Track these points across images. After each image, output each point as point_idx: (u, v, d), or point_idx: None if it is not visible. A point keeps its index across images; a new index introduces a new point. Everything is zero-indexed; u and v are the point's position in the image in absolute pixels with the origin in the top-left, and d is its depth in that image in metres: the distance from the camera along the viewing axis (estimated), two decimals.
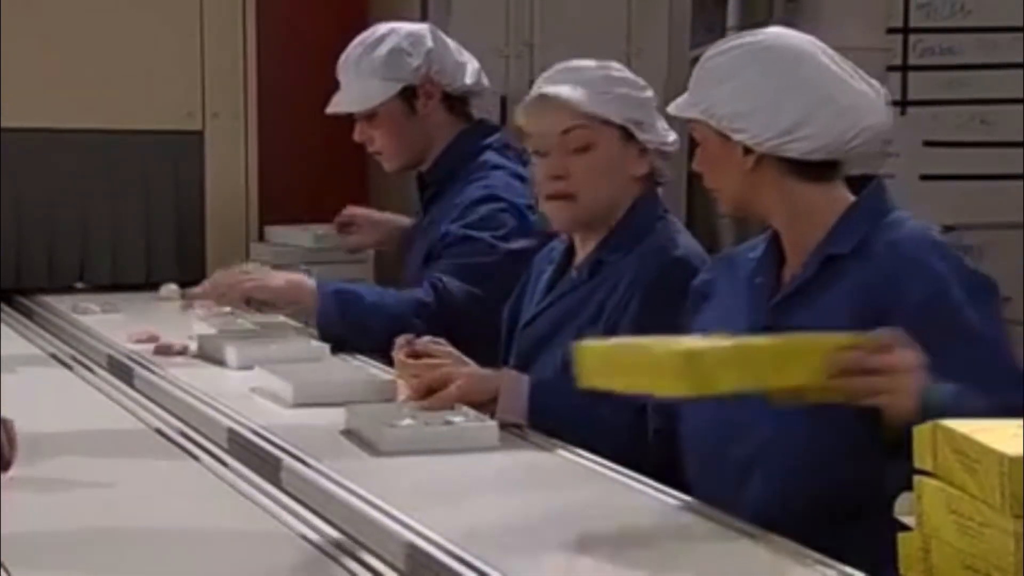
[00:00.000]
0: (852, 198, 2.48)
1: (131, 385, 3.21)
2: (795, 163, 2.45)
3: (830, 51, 2.50)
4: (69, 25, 4.42)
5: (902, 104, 6.30)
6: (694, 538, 2.10)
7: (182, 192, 4.56)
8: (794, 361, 2.13)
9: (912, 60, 6.28)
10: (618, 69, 3.00)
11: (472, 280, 3.43)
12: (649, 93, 2.99)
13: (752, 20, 5.52)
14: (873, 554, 1.96)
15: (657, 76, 4.75)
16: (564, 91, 2.95)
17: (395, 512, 2.12)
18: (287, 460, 2.44)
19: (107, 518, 2.27)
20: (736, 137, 2.45)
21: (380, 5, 5.05)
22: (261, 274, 3.59)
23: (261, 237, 4.64)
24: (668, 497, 2.27)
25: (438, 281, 3.45)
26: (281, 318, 3.58)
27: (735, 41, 2.52)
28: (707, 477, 2.40)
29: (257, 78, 4.61)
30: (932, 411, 2.08)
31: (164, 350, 3.38)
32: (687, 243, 2.94)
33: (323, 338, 3.38)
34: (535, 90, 3.02)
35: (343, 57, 3.70)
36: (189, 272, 4.33)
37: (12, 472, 2.29)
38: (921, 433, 1.76)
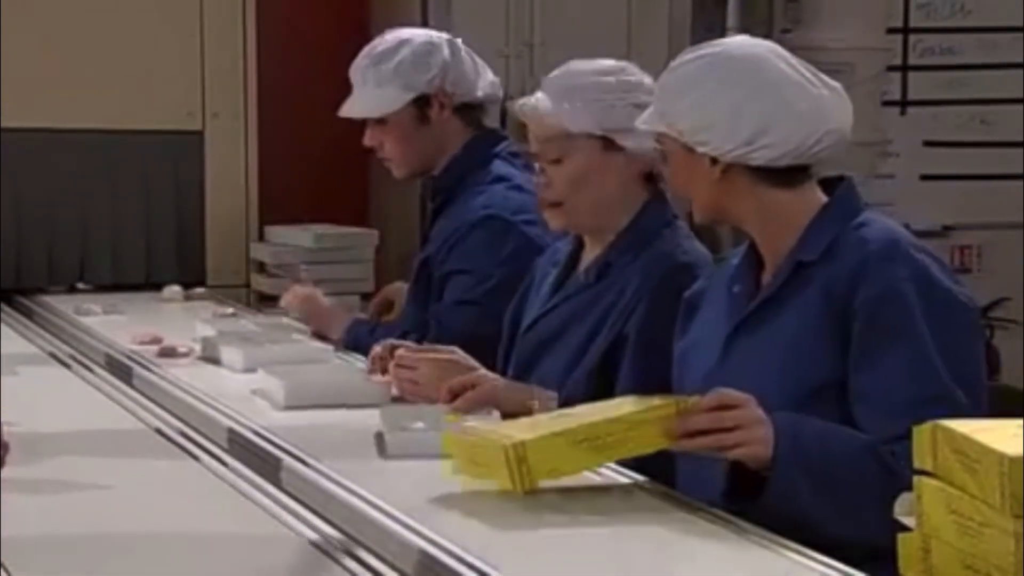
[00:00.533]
0: (824, 199, 2.49)
1: (131, 385, 3.21)
2: (763, 170, 2.46)
3: (789, 57, 2.50)
4: (69, 25, 4.42)
5: (902, 104, 6.30)
6: (691, 536, 2.10)
7: (182, 192, 4.56)
8: (636, 431, 2.21)
9: (912, 60, 6.28)
10: (612, 72, 2.96)
11: (472, 315, 3.41)
12: (641, 97, 2.91)
13: (752, 20, 5.52)
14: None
15: (657, 77, 4.75)
16: (533, 104, 2.96)
17: (396, 512, 2.12)
18: (287, 460, 2.44)
19: (107, 518, 2.27)
20: (700, 149, 2.46)
21: (380, 5, 5.05)
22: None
23: (261, 237, 4.64)
24: (668, 497, 2.27)
25: (435, 322, 3.45)
26: (285, 320, 3.58)
27: (694, 52, 2.53)
28: (696, 477, 2.40)
29: (257, 78, 4.61)
30: (786, 455, 2.20)
31: (168, 352, 3.38)
32: (694, 249, 2.93)
33: None
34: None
35: (357, 61, 3.68)
36: (189, 272, 4.34)
37: (12, 472, 2.29)
38: (921, 433, 1.76)
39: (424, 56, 3.62)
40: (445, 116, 3.65)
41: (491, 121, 3.79)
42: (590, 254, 2.99)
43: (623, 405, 2.29)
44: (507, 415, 2.64)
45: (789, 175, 2.47)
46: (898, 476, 2.17)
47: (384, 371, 2.95)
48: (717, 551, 2.05)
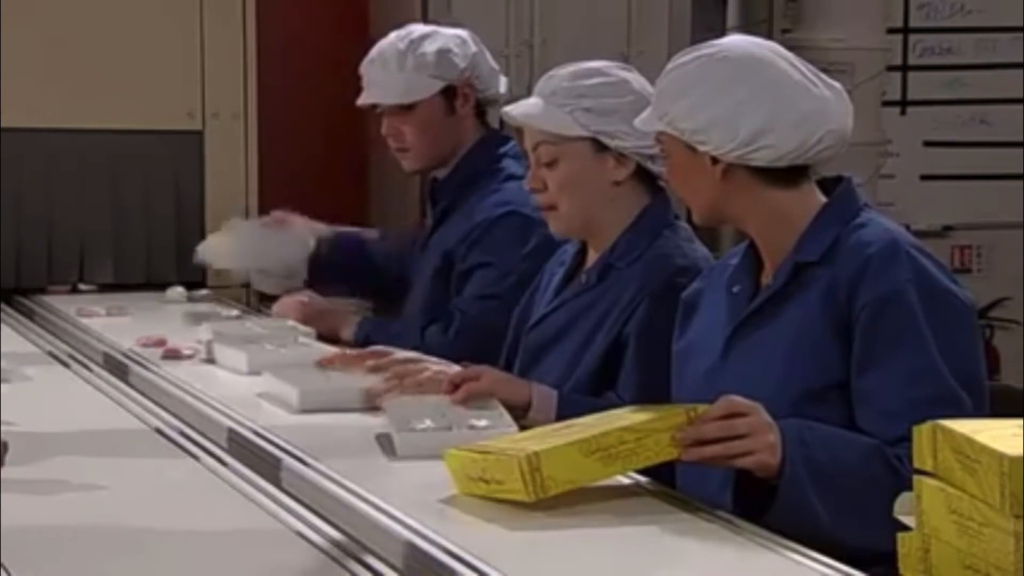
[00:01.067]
0: (823, 199, 2.49)
1: (130, 384, 3.21)
2: (763, 170, 2.46)
3: (790, 56, 2.50)
4: (69, 25, 4.42)
5: (902, 104, 6.30)
6: (691, 536, 2.10)
7: (182, 192, 4.55)
8: (648, 440, 2.20)
9: (912, 60, 6.29)
10: (597, 73, 2.95)
11: (494, 308, 3.41)
12: (627, 96, 2.92)
13: (752, 20, 5.52)
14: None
15: (657, 77, 4.75)
16: (521, 109, 2.97)
17: (396, 513, 2.12)
18: (287, 460, 2.44)
19: (107, 518, 2.27)
20: (701, 148, 2.46)
21: (380, 5, 5.05)
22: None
23: None
24: (668, 497, 2.27)
25: (458, 314, 3.46)
26: (291, 322, 3.56)
27: (694, 52, 2.52)
28: (696, 476, 2.39)
29: (257, 78, 4.60)
30: (795, 462, 2.20)
31: (173, 354, 3.37)
32: (694, 251, 2.92)
33: None
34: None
35: (378, 51, 3.68)
36: (189, 272, 4.33)
37: (12, 472, 2.29)
38: (921, 433, 1.76)
39: (457, 47, 3.64)
40: (467, 111, 3.67)
41: (492, 122, 3.79)
42: (593, 256, 2.99)
43: (632, 414, 2.28)
44: (506, 408, 2.64)
45: (789, 175, 2.47)
46: (905, 479, 2.17)
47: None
48: (717, 551, 2.05)
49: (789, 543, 2.03)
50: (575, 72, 2.95)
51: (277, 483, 2.41)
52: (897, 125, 6.04)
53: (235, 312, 3.85)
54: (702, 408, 2.23)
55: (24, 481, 2.33)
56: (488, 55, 3.72)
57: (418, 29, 3.69)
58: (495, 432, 2.48)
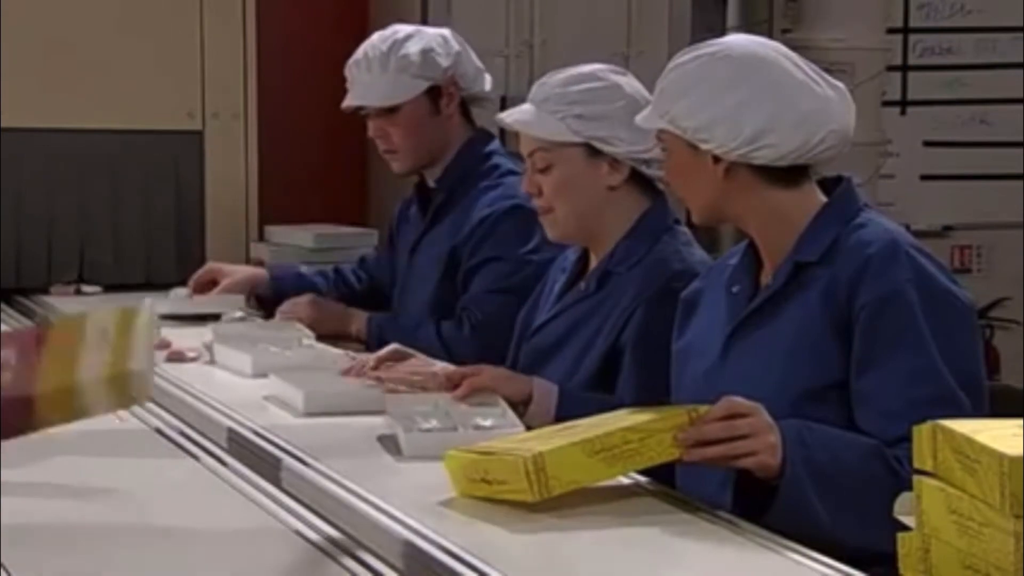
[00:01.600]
0: (824, 199, 2.49)
1: None
2: (765, 169, 2.46)
3: (793, 56, 2.50)
4: (69, 25, 4.42)
5: (902, 104, 6.30)
6: (691, 536, 2.10)
7: (182, 192, 4.55)
8: (650, 441, 2.20)
9: (912, 60, 6.29)
10: (588, 79, 2.94)
11: (507, 302, 3.42)
12: (618, 101, 2.92)
13: (752, 20, 5.52)
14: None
15: (657, 77, 4.75)
16: (514, 117, 2.98)
17: (396, 512, 2.12)
18: (287, 460, 2.44)
19: (107, 518, 2.27)
20: (703, 147, 2.46)
21: (380, 6, 5.05)
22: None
23: (261, 237, 4.64)
24: (668, 497, 2.27)
25: (473, 309, 3.47)
26: (297, 325, 3.56)
27: (697, 51, 2.52)
28: (696, 475, 2.40)
29: (257, 78, 4.60)
30: (796, 462, 2.20)
31: (177, 357, 3.37)
32: (692, 255, 2.92)
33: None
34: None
35: (361, 52, 3.68)
36: (189, 272, 4.33)
37: (12, 472, 2.29)
38: (921, 433, 1.76)
39: (440, 46, 3.64)
40: (452, 110, 3.66)
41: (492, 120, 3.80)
42: (594, 262, 2.99)
43: (634, 415, 2.28)
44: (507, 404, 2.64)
45: (790, 175, 2.47)
46: (904, 480, 2.17)
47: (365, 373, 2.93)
48: (717, 551, 2.05)
49: (789, 543, 2.03)
50: (567, 78, 2.95)
51: (277, 483, 2.41)
52: (897, 125, 6.05)
53: (238, 314, 3.85)
54: (703, 409, 2.23)
55: (24, 481, 2.33)
56: (472, 54, 3.72)
57: (402, 30, 3.69)
58: (500, 431, 2.48)
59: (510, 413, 2.60)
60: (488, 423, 2.53)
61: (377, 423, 2.65)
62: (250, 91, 4.59)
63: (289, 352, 3.26)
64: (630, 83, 2.96)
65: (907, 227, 2.58)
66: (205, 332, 3.49)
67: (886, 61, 5.66)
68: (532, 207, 3.32)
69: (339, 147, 4.87)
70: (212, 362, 3.33)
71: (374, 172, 4.98)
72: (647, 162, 2.92)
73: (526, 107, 2.97)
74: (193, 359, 3.36)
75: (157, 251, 4.52)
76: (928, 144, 6.30)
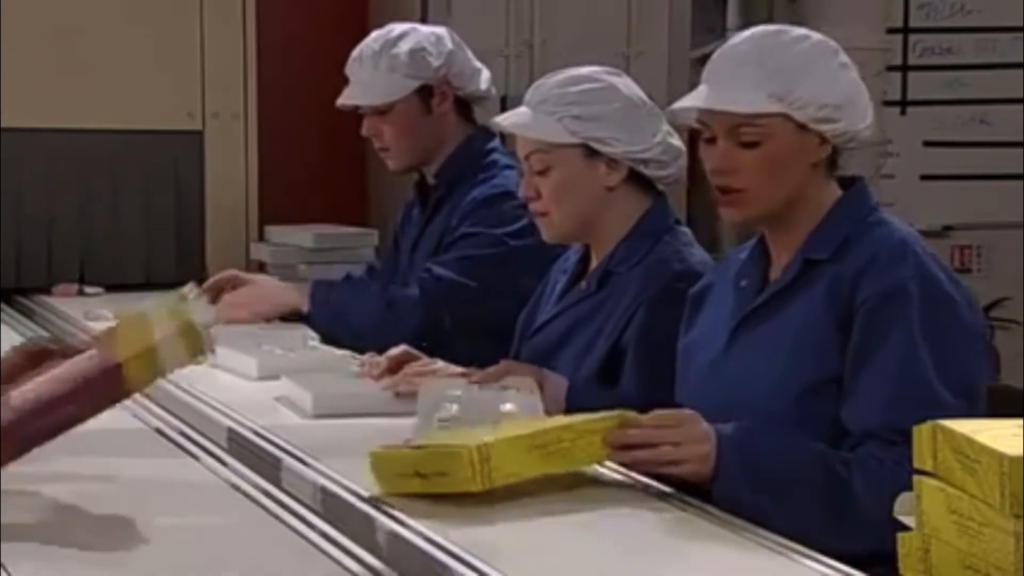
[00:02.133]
0: (839, 193, 2.50)
1: None
2: (831, 158, 2.47)
3: None
4: (69, 25, 4.42)
5: (902, 104, 6.30)
6: (689, 536, 2.11)
7: (182, 192, 4.56)
8: (582, 441, 2.23)
9: (912, 60, 6.29)
10: (585, 80, 2.94)
11: (466, 273, 3.45)
12: (615, 102, 2.93)
13: (752, 20, 5.52)
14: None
15: (657, 77, 4.76)
16: (511, 119, 2.98)
17: (396, 512, 2.12)
18: (287, 460, 2.44)
19: (107, 518, 2.27)
20: (823, 127, 2.42)
21: (379, 5, 5.05)
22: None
23: (261, 237, 4.64)
24: (668, 496, 2.27)
25: (426, 274, 3.49)
26: (304, 328, 3.54)
27: (780, 34, 2.51)
28: None
29: (257, 78, 4.61)
30: (733, 473, 2.23)
31: None
32: (693, 255, 2.93)
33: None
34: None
35: (357, 51, 3.69)
36: (189, 272, 4.33)
37: (12, 472, 2.29)
38: (921, 433, 1.76)
39: (432, 45, 3.64)
40: (445, 108, 3.67)
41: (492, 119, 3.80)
42: (595, 262, 2.99)
43: (575, 416, 2.31)
44: None
45: (834, 165, 2.48)
46: (845, 487, 2.24)
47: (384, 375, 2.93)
48: (717, 551, 2.05)
49: (789, 543, 2.03)
50: (563, 79, 2.95)
51: (277, 483, 2.41)
52: (897, 125, 6.05)
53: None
54: (633, 415, 2.26)
55: (24, 480, 2.33)
56: (469, 53, 3.72)
57: (396, 28, 3.70)
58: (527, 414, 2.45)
59: (540, 404, 2.53)
60: (510, 408, 2.47)
61: (382, 424, 2.65)
62: (250, 91, 4.59)
63: (293, 354, 3.25)
64: (626, 84, 2.96)
65: None
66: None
67: (886, 61, 5.66)
68: (521, 196, 3.35)
69: (339, 147, 4.87)
70: (217, 365, 3.26)
71: (374, 172, 4.98)
72: (645, 162, 2.92)
73: (522, 110, 2.97)
74: (199, 361, 3.33)
75: (157, 251, 4.53)
76: (928, 144, 6.30)
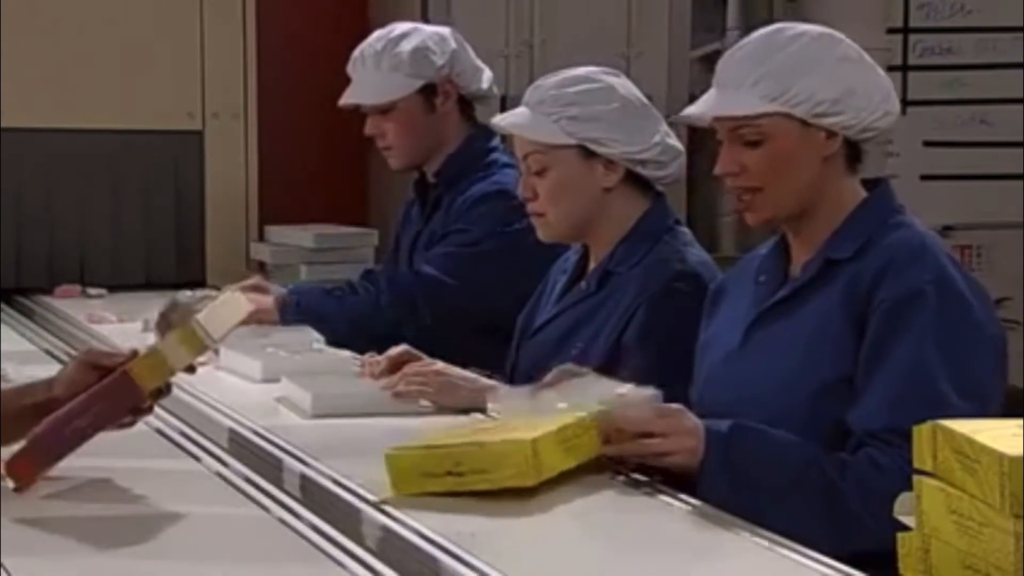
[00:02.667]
0: (864, 194, 2.50)
1: None
2: (850, 153, 2.47)
3: None
4: (69, 25, 4.42)
5: (902, 104, 6.30)
6: (690, 536, 2.10)
7: (182, 192, 4.56)
8: (585, 436, 2.28)
9: (912, 60, 6.28)
10: (581, 81, 2.94)
11: (446, 269, 3.46)
12: (612, 102, 2.93)
13: (752, 20, 5.52)
14: None
15: (657, 77, 4.76)
16: (509, 120, 2.99)
17: (396, 512, 2.12)
18: (287, 460, 2.44)
19: (107, 518, 2.27)
20: (826, 122, 2.43)
21: (380, 5, 5.05)
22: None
23: (261, 237, 4.64)
24: (667, 496, 2.27)
25: (408, 270, 3.50)
26: (307, 329, 3.54)
27: (779, 33, 2.50)
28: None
29: (257, 78, 4.61)
30: (715, 469, 2.25)
31: None
32: (693, 255, 2.92)
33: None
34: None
35: (360, 50, 3.69)
36: (189, 272, 4.34)
37: None
38: (921, 433, 1.76)
39: (435, 44, 3.65)
40: (448, 108, 3.67)
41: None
42: (594, 262, 2.99)
43: (571, 412, 2.33)
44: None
45: (857, 159, 2.48)
46: (838, 493, 2.24)
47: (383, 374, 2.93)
48: (717, 551, 2.05)
49: (789, 543, 2.03)
50: (561, 80, 2.95)
51: (278, 483, 2.41)
52: (897, 125, 6.01)
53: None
54: (621, 407, 2.29)
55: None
56: (471, 52, 3.72)
57: (399, 28, 3.70)
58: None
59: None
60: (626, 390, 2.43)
61: (382, 424, 2.65)
62: (250, 91, 4.60)
63: (298, 356, 3.25)
64: (624, 85, 2.96)
65: None
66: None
67: (886, 61, 5.65)
68: (517, 196, 3.35)
69: (339, 147, 4.87)
70: (221, 367, 3.24)
71: (374, 172, 4.98)
72: (643, 163, 2.92)
73: (520, 110, 2.98)
74: (203, 363, 3.32)
75: (157, 251, 4.53)
76: (928, 144, 6.30)
